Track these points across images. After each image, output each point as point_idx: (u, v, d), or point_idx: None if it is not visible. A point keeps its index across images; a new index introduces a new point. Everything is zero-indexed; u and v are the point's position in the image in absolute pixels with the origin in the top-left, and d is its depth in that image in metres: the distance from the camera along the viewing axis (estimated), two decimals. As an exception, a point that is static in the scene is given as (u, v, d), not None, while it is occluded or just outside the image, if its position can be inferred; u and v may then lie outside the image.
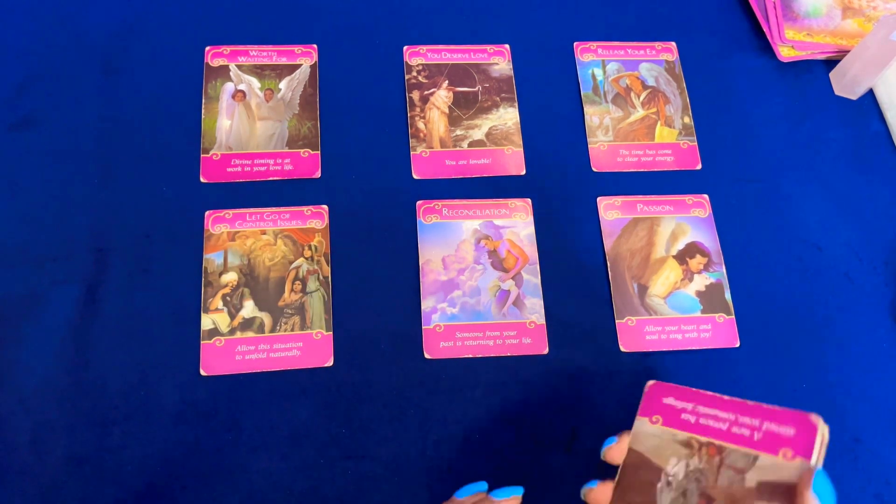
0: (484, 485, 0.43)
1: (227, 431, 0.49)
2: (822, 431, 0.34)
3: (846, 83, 0.63)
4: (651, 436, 0.38)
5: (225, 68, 0.60)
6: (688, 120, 0.62)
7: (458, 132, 0.59)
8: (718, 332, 0.54)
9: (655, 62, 0.64)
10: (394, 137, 0.59)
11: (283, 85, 0.60)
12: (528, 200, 0.57)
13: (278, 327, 0.51)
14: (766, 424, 0.35)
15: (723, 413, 0.37)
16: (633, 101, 0.62)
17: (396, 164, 0.58)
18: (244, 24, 0.62)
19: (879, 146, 0.62)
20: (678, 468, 0.36)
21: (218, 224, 0.54)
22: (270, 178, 0.56)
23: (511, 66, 0.63)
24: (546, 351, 0.52)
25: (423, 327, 0.52)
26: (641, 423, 0.39)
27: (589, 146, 0.60)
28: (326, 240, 0.54)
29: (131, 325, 0.51)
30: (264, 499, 0.47)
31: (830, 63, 0.65)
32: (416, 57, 0.62)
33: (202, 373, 0.50)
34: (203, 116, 0.58)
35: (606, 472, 0.49)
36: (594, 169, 0.59)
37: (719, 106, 0.63)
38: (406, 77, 0.61)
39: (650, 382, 0.40)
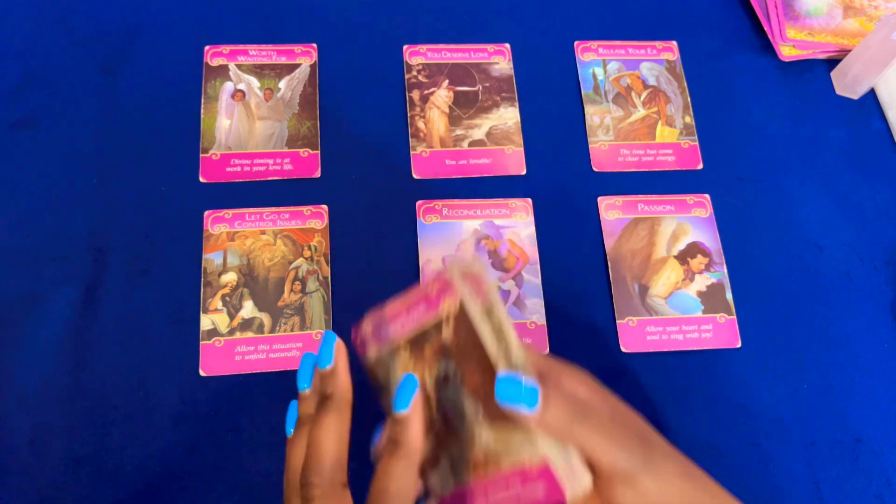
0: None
1: (227, 431, 0.49)
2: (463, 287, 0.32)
3: (847, 82, 0.63)
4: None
5: (224, 68, 0.60)
6: (689, 119, 0.62)
7: (459, 132, 0.59)
8: (720, 332, 0.54)
9: (656, 61, 0.64)
10: (394, 137, 0.59)
11: (282, 84, 0.60)
12: (529, 200, 0.57)
13: (278, 328, 0.51)
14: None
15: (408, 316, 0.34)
16: (634, 100, 0.62)
17: (396, 163, 0.58)
18: (244, 23, 0.62)
19: (881, 145, 0.62)
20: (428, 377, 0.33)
21: (217, 224, 0.54)
22: (270, 178, 0.56)
23: (511, 66, 0.62)
24: (546, 351, 0.52)
25: (424, 327, 0.52)
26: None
27: (589, 146, 0.60)
28: (326, 240, 0.54)
29: (130, 326, 0.51)
30: (264, 499, 0.47)
31: (832, 62, 0.65)
32: (416, 56, 0.62)
33: (201, 373, 0.50)
34: (202, 116, 0.58)
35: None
36: (595, 169, 0.59)
37: (720, 105, 0.63)
38: (406, 76, 0.61)
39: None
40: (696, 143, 0.61)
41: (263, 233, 0.54)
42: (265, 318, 0.52)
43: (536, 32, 0.64)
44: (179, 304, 0.52)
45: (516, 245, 0.56)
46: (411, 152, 0.58)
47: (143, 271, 0.52)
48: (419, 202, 0.56)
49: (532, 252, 0.55)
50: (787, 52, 0.64)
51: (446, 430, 0.33)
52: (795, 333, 0.54)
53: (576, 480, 0.31)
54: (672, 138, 0.61)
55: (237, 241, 0.54)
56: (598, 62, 0.63)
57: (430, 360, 0.33)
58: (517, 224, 0.56)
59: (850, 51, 0.63)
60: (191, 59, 0.60)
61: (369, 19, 0.63)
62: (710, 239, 0.57)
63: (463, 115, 0.60)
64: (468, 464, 0.33)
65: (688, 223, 0.57)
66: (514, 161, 0.59)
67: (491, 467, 0.32)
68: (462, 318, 0.33)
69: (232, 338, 0.51)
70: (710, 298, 0.55)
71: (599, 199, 0.58)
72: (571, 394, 0.33)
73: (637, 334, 0.53)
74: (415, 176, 0.57)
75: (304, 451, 0.33)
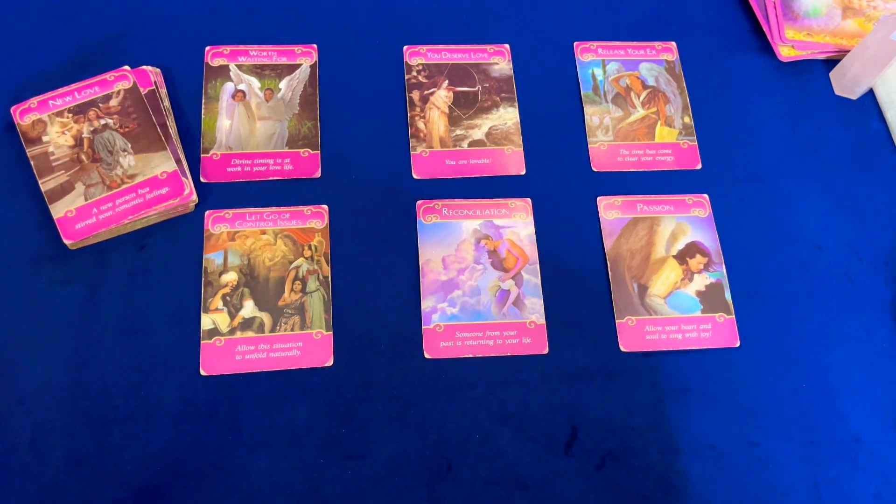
0: None
1: (227, 431, 0.49)
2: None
3: (846, 83, 0.63)
4: None
5: (225, 68, 0.60)
6: (688, 120, 0.62)
7: (458, 132, 0.59)
8: (718, 331, 0.54)
9: (655, 62, 0.64)
10: (394, 137, 0.59)
11: (283, 85, 0.60)
12: (528, 200, 0.57)
13: (278, 327, 0.51)
14: None
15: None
16: (634, 100, 0.62)
17: (396, 164, 0.58)
18: (244, 23, 0.62)
19: (879, 146, 0.62)
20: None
21: (218, 224, 0.54)
22: (270, 178, 0.56)
23: (511, 66, 0.62)
24: (546, 351, 0.52)
25: (423, 327, 0.52)
26: None
27: (589, 146, 0.60)
28: (326, 240, 0.54)
29: (131, 325, 0.51)
30: (264, 499, 0.47)
31: (830, 63, 0.65)
32: (416, 57, 0.62)
33: (202, 373, 0.50)
34: (203, 116, 0.58)
35: (607, 472, 0.50)
36: (594, 169, 0.59)
37: (719, 106, 0.63)
38: (406, 77, 0.61)
39: None
40: (695, 144, 0.61)
41: (264, 232, 0.54)
42: (266, 318, 0.52)
43: (536, 33, 0.64)
44: (180, 304, 0.52)
45: (516, 245, 0.56)
46: (411, 152, 0.58)
47: (143, 271, 0.52)
48: (419, 202, 0.56)
49: (532, 252, 0.55)
50: (785, 53, 0.64)
51: (93, 161, 0.52)
52: (794, 333, 0.55)
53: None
54: (671, 138, 0.61)
55: (238, 240, 0.54)
56: (598, 62, 0.64)
57: (93, 118, 0.53)
58: (517, 224, 0.56)
59: (848, 51, 0.63)
60: (191, 59, 0.60)
61: (369, 19, 0.63)
62: (708, 239, 0.57)
63: (463, 116, 0.60)
64: (104, 182, 0.52)
65: (687, 223, 0.58)
66: (513, 161, 0.59)
67: (125, 183, 0.52)
68: (131, 91, 0.54)
69: (232, 337, 0.51)
70: (708, 298, 0.55)
71: (599, 198, 0.58)
72: None
73: (636, 334, 0.53)
74: (415, 176, 0.58)
75: None
